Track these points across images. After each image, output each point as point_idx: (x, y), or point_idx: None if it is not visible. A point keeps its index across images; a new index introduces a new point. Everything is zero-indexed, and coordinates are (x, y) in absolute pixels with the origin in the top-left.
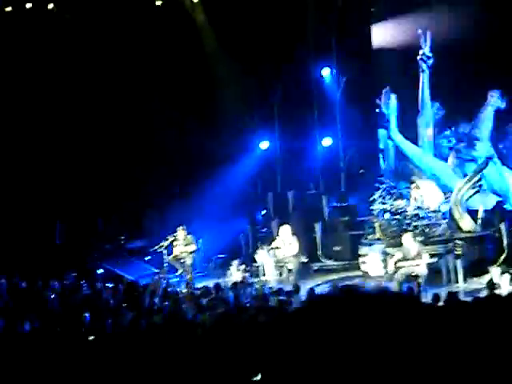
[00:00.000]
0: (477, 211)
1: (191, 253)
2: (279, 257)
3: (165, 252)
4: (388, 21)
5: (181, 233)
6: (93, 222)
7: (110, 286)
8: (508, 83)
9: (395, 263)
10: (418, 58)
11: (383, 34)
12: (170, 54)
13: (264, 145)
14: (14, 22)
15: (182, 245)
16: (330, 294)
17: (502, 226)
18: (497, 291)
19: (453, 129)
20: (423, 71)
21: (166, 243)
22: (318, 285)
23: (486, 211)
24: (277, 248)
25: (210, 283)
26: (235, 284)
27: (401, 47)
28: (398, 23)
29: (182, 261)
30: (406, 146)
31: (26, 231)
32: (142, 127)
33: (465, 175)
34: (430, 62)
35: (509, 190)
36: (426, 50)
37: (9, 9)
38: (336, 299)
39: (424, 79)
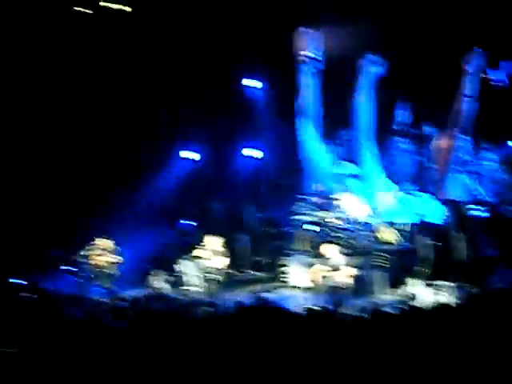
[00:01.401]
0: (399, 223)
1: (113, 263)
2: (204, 267)
3: (86, 261)
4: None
5: (103, 241)
6: (14, 229)
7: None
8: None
9: (318, 274)
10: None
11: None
12: (108, 59)
13: (190, 154)
14: None
15: (104, 254)
16: (247, 306)
17: (422, 239)
18: (416, 303)
19: None
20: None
21: (87, 252)
22: (241, 295)
23: (406, 224)
24: (201, 258)
25: (133, 293)
26: (159, 294)
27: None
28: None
29: (103, 270)
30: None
31: None
32: (68, 129)
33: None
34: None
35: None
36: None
37: None
38: (252, 312)
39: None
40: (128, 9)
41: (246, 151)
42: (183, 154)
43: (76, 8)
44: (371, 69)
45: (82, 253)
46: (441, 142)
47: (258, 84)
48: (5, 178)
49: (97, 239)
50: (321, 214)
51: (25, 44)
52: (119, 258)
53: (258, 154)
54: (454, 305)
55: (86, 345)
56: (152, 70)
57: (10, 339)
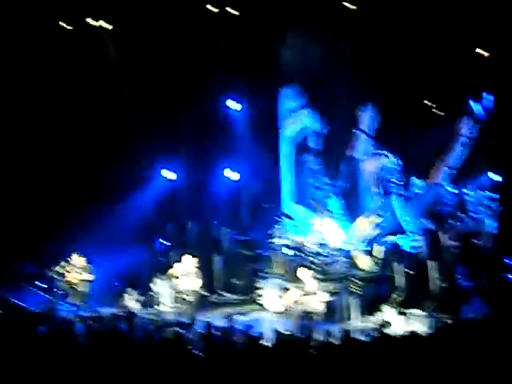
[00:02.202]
0: (373, 250)
1: (86, 280)
2: (178, 287)
3: (59, 278)
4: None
5: (76, 259)
6: None
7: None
8: None
9: (292, 299)
10: None
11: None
12: (82, 80)
13: (167, 173)
14: None
15: (77, 271)
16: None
17: (397, 266)
18: (389, 331)
19: None
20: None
21: (60, 269)
22: (215, 317)
23: (382, 251)
24: (176, 278)
25: (104, 312)
26: (130, 314)
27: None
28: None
29: (75, 288)
30: None
31: None
32: (44, 146)
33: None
34: None
35: None
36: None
37: None
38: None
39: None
40: (108, 26)
41: (224, 172)
42: (162, 172)
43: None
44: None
45: (54, 269)
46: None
47: (237, 106)
48: None
49: (70, 256)
50: (297, 238)
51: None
52: (92, 275)
53: (236, 175)
54: (427, 334)
55: (52, 360)
56: (131, 88)
57: None
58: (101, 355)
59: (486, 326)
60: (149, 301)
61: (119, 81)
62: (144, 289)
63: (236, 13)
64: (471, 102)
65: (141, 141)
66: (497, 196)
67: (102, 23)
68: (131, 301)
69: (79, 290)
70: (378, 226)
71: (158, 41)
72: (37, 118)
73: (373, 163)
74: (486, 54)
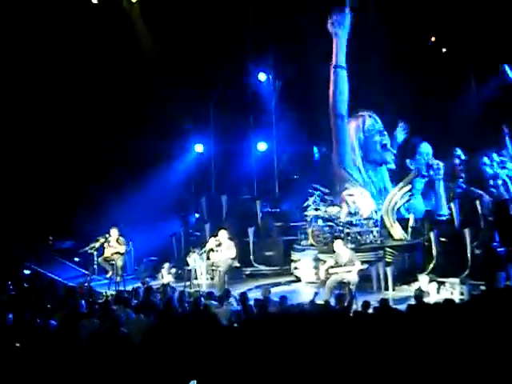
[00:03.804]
0: (407, 220)
1: (122, 254)
2: (213, 260)
3: (95, 253)
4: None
5: (112, 234)
6: (22, 220)
7: (37, 286)
8: None
9: (327, 270)
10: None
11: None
12: (108, 53)
13: (199, 147)
14: None
15: (113, 246)
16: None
17: (432, 235)
18: (425, 299)
19: None
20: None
21: (96, 244)
22: (250, 289)
23: (416, 220)
24: (211, 251)
25: (140, 286)
26: (164, 287)
27: None
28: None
29: (112, 263)
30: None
31: None
32: (78, 126)
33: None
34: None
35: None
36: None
37: None
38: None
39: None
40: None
41: (259, 146)
42: (197, 147)
43: None
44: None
45: (91, 244)
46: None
47: (262, 76)
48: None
49: (108, 232)
50: (331, 209)
51: None
52: (128, 248)
53: (267, 147)
54: (463, 301)
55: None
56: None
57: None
58: (138, 327)
59: None
60: (185, 274)
61: (151, 53)
62: (180, 262)
63: None
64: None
65: (174, 116)
66: None
67: None
68: (167, 274)
69: (116, 264)
70: (407, 195)
71: (185, 9)
72: (76, 95)
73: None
74: None
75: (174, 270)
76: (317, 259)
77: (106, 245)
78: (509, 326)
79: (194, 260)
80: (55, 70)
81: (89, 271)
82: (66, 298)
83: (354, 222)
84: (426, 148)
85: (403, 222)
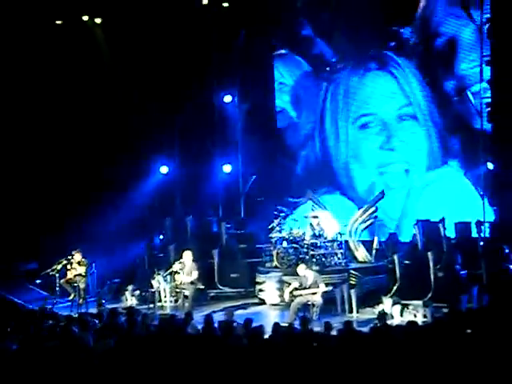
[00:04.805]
0: (371, 242)
1: (84, 277)
2: (177, 282)
3: (57, 275)
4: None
5: (75, 256)
6: None
7: None
8: None
9: (291, 292)
10: None
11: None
12: (72, 78)
13: (164, 169)
14: None
15: (75, 268)
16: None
17: (395, 257)
18: (388, 322)
19: None
20: None
21: (58, 266)
22: (214, 312)
23: (380, 242)
24: (176, 273)
25: (104, 308)
26: (130, 309)
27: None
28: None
29: (74, 285)
30: None
31: None
32: (38, 146)
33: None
34: None
35: None
36: None
37: None
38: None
39: None
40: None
41: (224, 167)
42: (162, 169)
43: None
44: None
45: (53, 266)
46: None
47: (228, 98)
48: None
49: (70, 254)
50: (296, 231)
51: None
52: (91, 272)
53: (231, 169)
54: (426, 323)
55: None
56: (126, 82)
57: None
58: (103, 351)
59: (485, 315)
60: (149, 297)
61: (113, 75)
62: (144, 285)
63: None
64: None
65: (138, 137)
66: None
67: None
68: (130, 297)
69: (79, 286)
70: (374, 217)
71: (151, 33)
72: (33, 116)
73: None
74: None
75: (137, 293)
76: (281, 281)
77: (68, 266)
78: (471, 347)
79: (159, 282)
80: (13, 91)
81: (53, 294)
82: (27, 320)
83: (319, 244)
84: None
85: (367, 244)
